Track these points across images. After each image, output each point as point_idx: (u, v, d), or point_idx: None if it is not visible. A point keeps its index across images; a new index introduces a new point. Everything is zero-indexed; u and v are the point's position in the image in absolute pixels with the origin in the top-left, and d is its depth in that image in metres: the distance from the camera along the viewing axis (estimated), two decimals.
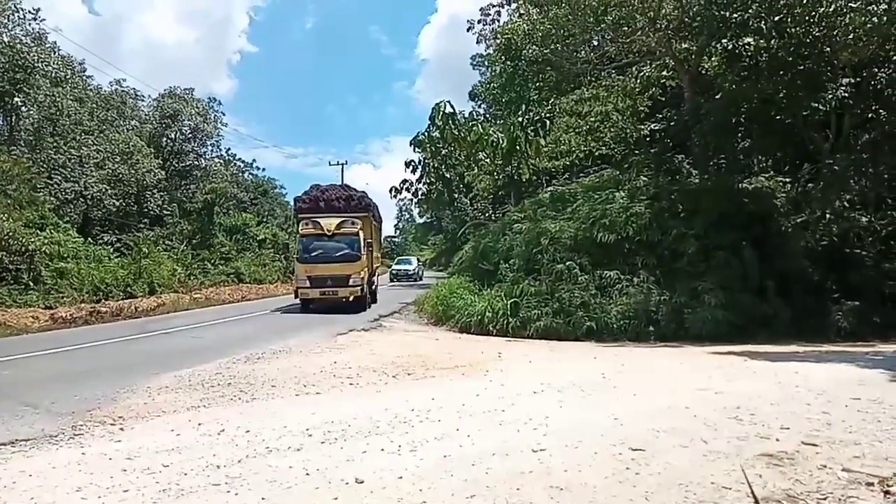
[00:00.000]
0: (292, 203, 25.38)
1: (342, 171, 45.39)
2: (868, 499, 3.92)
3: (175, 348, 12.03)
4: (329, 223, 19.23)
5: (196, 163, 41.09)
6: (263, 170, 54.06)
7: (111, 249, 26.88)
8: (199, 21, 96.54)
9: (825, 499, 3.94)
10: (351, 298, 18.73)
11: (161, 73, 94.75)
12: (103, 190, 29.84)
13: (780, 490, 4.07)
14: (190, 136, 39.82)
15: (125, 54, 75.62)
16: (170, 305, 21.25)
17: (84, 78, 33.96)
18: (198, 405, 7.02)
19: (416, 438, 5.37)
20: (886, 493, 3.99)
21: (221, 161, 45.24)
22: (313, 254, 18.96)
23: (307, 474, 4.47)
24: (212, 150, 42.92)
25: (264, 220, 44.70)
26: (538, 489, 4.09)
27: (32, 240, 20.01)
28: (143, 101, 39.58)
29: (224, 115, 43.69)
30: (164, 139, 38.65)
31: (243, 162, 51.14)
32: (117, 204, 31.12)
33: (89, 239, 26.84)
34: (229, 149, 48.22)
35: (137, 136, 34.17)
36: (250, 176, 52.17)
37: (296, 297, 19.76)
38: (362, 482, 4.25)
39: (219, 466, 4.72)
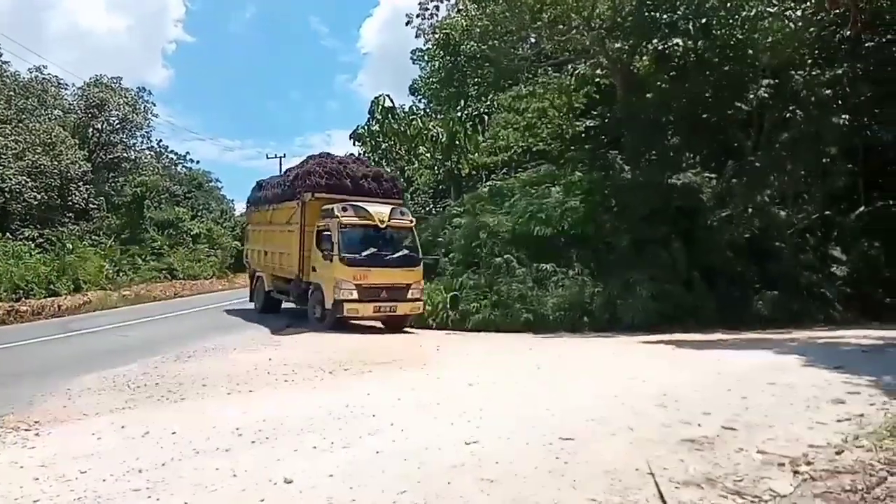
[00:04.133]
0: (257, 184, 18.01)
1: (280, 164, 44.40)
2: (779, 478, 4.14)
3: (100, 348, 11.50)
4: (380, 211, 13.85)
5: (125, 155, 39.22)
6: (198, 162, 51.83)
7: (32, 245, 25.34)
8: (132, 8, 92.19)
9: (741, 480, 4.13)
10: (410, 317, 14.07)
11: (91, 62, 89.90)
12: (23, 182, 28.06)
13: (701, 474, 4.25)
14: (118, 126, 37.95)
15: (50, 41, 71.34)
16: (96, 303, 20.27)
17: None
18: (122, 407, 6.73)
19: (349, 435, 5.32)
20: (795, 472, 4.23)
21: (152, 153, 43.40)
22: (363, 253, 13.41)
23: (234, 476, 4.35)
24: (142, 142, 41.11)
25: (199, 214, 43.20)
26: (469, 482, 4.12)
27: None
28: (66, 89, 37.49)
29: (155, 105, 41.91)
30: (90, 130, 36.70)
31: (176, 154, 49.08)
32: (39, 197, 29.33)
33: (8, 234, 25.30)
34: (161, 140, 46.01)
35: (61, 127, 32.32)
36: (184, 169, 50.14)
37: (260, 303, 16.54)
38: (291, 482, 4.18)
39: (141, 471, 4.53)
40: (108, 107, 36.52)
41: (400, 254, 13.83)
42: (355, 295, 13.02)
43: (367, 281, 13.15)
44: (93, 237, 30.21)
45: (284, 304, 16.34)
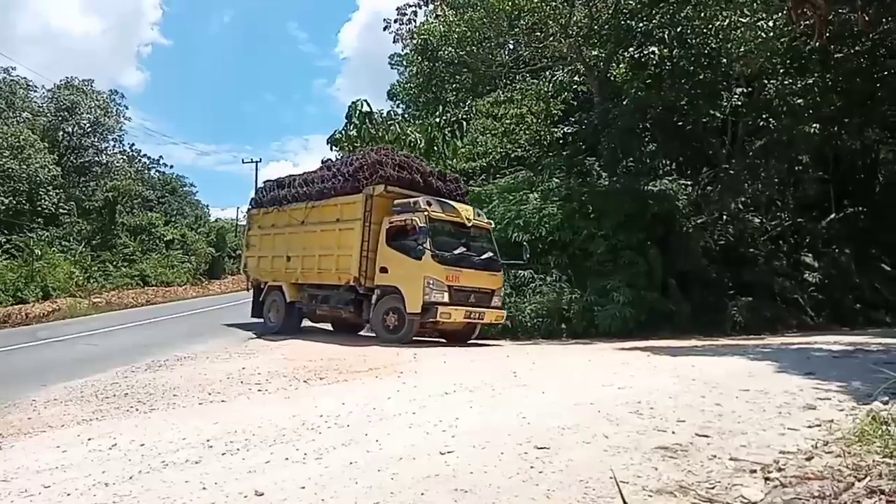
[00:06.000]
0: (275, 183, 15.84)
1: (256, 168, 44.13)
2: (751, 485, 4.15)
3: (68, 357, 11.27)
4: (466, 208, 13.20)
5: (96, 159, 38.82)
6: (172, 167, 51.35)
7: None
8: (107, 10, 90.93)
9: (713, 487, 4.13)
10: (477, 329, 13.06)
11: (64, 64, 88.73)
12: None
13: (674, 481, 4.24)
14: (89, 130, 37.48)
15: (20, 42, 69.99)
16: (65, 311, 19.91)
17: None
18: (89, 418, 6.57)
19: (322, 445, 5.23)
20: (767, 478, 4.25)
21: (125, 157, 42.87)
22: (454, 252, 12.32)
23: (203, 488, 4.25)
24: (114, 146, 40.81)
25: (172, 219, 42.70)
26: (443, 492, 4.07)
27: None
28: (36, 91, 36.90)
29: (127, 108, 41.57)
30: (61, 133, 36.18)
31: (149, 158, 48.55)
32: (6, 202, 28.78)
33: None
34: (133, 144, 45.44)
35: (29, 130, 31.81)
36: (157, 173, 49.60)
37: (280, 319, 14.29)
38: (262, 494, 4.08)
39: (107, 484, 4.40)
40: (79, 110, 36.02)
41: (486, 256, 12.87)
42: (446, 298, 11.78)
43: (458, 283, 11.98)
44: (63, 243, 29.70)
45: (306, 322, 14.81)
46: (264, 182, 16.84)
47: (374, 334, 13.01)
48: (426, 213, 12.06)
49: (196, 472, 4.62)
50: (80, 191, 36.49)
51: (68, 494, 4.24)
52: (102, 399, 7.49)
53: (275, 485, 4.26)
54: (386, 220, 12.56)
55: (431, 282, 11.68)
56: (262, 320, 15.28)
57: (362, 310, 12.95)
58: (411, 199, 12.51)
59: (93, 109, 36.56)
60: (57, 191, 32.73)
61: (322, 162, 18.26)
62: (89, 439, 5.67)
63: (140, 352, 11.27)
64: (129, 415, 6.74)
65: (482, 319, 12.60)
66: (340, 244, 13.22)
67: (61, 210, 32.76)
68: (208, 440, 5.46)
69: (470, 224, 12.78)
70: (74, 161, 37.30)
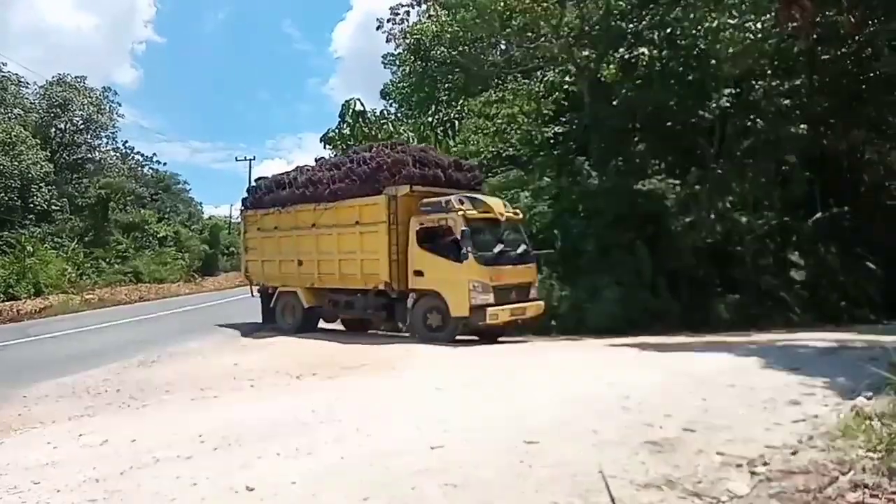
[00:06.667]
0: (272, 182, 15.19)
1: (250, 166, 44.02)
2: (737, 479, 4.22)
3: (60, 353, 11.25)
4: (497, 202, 12.80)
5: (89, 155, 38.51)
6: (165, 164, 50.98)
7: None
8: (100, 7, 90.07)
9: (700, 482, 4.21)
10: (509, 325, 12.46)
11: (57, 61, 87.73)
12: None
13: (661, 476, 4.32)
14: (82, 126, 37.19)
15: (13, 38, 69.27)
16: (58, 307, 19.84)
17: None
18: (80, 415, 6.61)
19: (314, 440, 5.28)
20: (752, 473, 4.33)
21: (118, 154, 42.61)
22: (493, 250, 12.03)
23: (195, 484, 4.29)
24: (107, 143, 40.46)
25: (166, 216, 42.56)
26: (433, 487, 4.12)
27: None
28: (28, 88, 36.59)
29: (121, 105, 41.11)
30: (53, 130, 35.91)
31: (142, 156, 48.23)
32: None
33: None
34: (126, 141, 45.17)
35: (21, 126, 31.55)
36: (150, 170, 49.30)
37: (297, 324, 13.71)
38: (253, 489, 4.13)
39: (98, 480, 4.43)
40: (72, 106, 35.76)
41: (521, 249, 12.53)
42: (492, 298, 11.46)
43: (500, 282, 11.67)
44: (55, 240, 29.52)
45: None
46: (257, 181, 16.18)
47: (410, 335, 12.65)
48: (461, 212, 11.61)
49: (187, 468, 4.66)
50: (72, 187, 36.15)
51: (58, 491, 4.26)
52: (94, 395, 7.52)
53: (266, 480, 4.30)
54: (414, 220, 12.10)
55: (477, 285, 11.35)
56: (262, 322, 14.91)
57: (394, 314, 12.64)
58: (441, 199, 12.05)
59: (85, 106, 36.28)
60: (49, 187, 32.50)
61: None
62: (80, 435, 5.70)
63: (132, 348, 11.27)
64: (121, 411, 6.77)
65: (525, 314, 12.29)
66: (364, 248, 12.75)
67: (53, 207, 32.54)
68: (200, 436, 5.49)
69: (504, 218, 12.37)
70: (67, 158, 36.99)
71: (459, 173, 13.68)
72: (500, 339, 12.42)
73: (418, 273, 11.98)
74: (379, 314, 12.94)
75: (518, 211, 13.39)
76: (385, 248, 12.15)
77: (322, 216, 13.43)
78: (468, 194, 12.55)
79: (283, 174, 15.37)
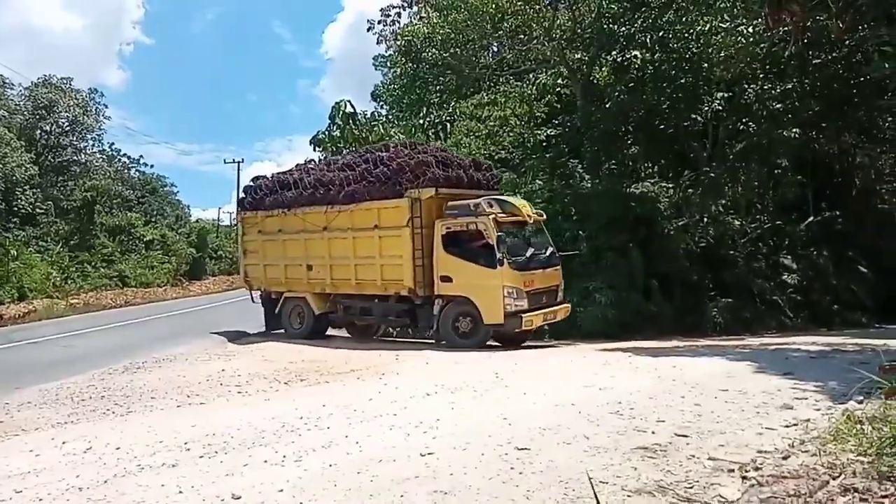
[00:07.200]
0: (275, 182, 14.30)
1: (238, 168, 43.77)
2: (728, 484, 4.18)
3: (43, 359, 11.09)
4: (524, 205, 12.20)
5: (75, 158, 38.14)
6: (152, 167, 50.40)
7: None
8: (88, 8, 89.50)
9: (692, 487, 4.17)
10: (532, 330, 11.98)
11: (44, 62, 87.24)
12: None
13: (653, 481, 4.27)
14: (68, 128, 36.88)
15: None
16: (42, 312, 19.60)
17: None
18: (64, 422, 6.48)
19: (302, 448, 5.19)
20: (744, 478, 4.29)
21: (104, 156, 42.22)
22: (525, 254, 11.93)
23: (180, 492, 4.20)
24: (93, 145, 40.05)
25: (152, 219, 42.16)
26: (422, 494, 4.05)
27: None
28: (12, 89, 36.20)
29: (107, 107, 40.87)
30: (38, 132, 35.55)
31: (129, 158, 47.73)
32: None
33: None
34: (113, 143, 44.70)
35: (6, 128, 31.24)
36: (137, 173, 48.85)
37: (308, 330, 13.29)
38: (239, 497, 4.04)
39: (81, 489, 4.33)
40: (58, 108, 35.44)
41: (548, 251, 12.25)
42: (526, 304, 11.14)
43: (533, 287, 11.35)
44: (40, 243, 29.15)
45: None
46: (255, 181, 15.24)
47: (438, 341, 12.19)
48: (492, 216, 11.22)
49: (172, 476, 4.56)
50: (57, 190, 35.78)
51: (41, 499, 4.17)
52: (78, 402, 7.38)
53: (252, 488, 4.22)
54: (439, 224, 11.67)
55: (511, 291, 10.99)
56: (265, 329, 14.39)
57: (417, 320, 12.29)
58: (469, 202, 11.58)
59: (71, 108, 35.95)
60: (34, 190, 32.13)
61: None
62: (63, 443, 5.58)
63: (118, 354, 11.11)
64: (105, 417, 6.65)
65: (555, 318, 12.11)
66: (384, 252, 12.25)
67: (38, 210, 32.15)
68: (186, 443, 5.40)
69: (531, 220, 12.00)
70: (52, 160, 36.65)
71: (479, 173, 13.31)
72: (523, 343, 12.10)
73: (445, 278, 11.60)
74: (402, 320, 12.59)
75: (542, 211, 13.08)
76: (409, 252, 11.73)
77: (335, 219, 12.83)
78: (495, 196, 12.18)
79: (284, 174, 14.70)
